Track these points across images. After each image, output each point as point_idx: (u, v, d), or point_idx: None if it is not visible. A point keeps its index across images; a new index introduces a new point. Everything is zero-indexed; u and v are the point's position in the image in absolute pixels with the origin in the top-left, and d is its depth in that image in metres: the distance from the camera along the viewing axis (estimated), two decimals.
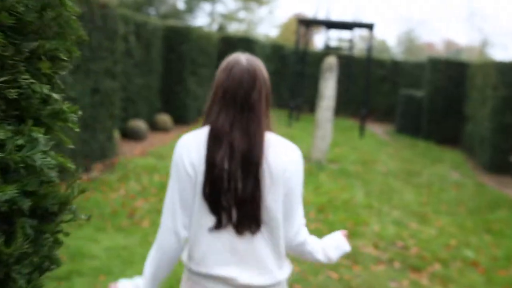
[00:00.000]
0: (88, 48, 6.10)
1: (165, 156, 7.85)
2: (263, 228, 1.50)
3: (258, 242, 1.50)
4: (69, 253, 3.95)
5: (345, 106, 16.25)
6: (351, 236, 5.01)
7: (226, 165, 1.45)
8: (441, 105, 12.62)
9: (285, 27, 40.47)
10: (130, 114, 9.27)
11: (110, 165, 6.96)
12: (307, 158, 8.70)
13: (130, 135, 8.95)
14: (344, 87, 15.78)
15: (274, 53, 16.51)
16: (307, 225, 1.73)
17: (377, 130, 14.77)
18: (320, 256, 1.68)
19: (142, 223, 4.81)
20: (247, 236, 1.48)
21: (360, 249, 4.72)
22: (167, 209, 1.51)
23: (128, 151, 8.15)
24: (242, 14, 34.31)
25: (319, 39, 46.99)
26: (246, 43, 13.15)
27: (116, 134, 7.83)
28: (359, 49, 22.68)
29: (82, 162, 6.26)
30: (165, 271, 1.55)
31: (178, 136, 10.10)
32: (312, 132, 10.85)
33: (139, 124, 9.04)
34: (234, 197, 1.45)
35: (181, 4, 28.24)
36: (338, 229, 5.59)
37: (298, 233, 1.59)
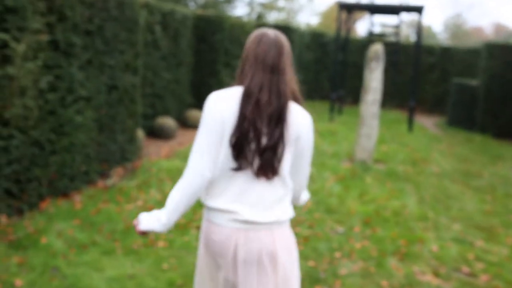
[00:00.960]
0: (101, 40, 5.45)
1: None
2: (275, 177, 1.72)
3: (269, 188, 1.73)
4: (64, 286, 3.30)
5: (391, 97, 15.16)
6: (405, 258, 4.17)
7: (255, 120, 1.65)
8: (499, 94, 11.41)
9: (326, 15, 39.26)
10: (158, 111, 8.64)
11: (132, 169, 6.33)
12: (350, 157, 7.84)
13: (157, 133, 8.33)
14: (390, 77, 14.69)
15: (313, 41, 15.58)
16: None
17: (426, 123, 13.64)
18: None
19: (157, 243, 4.12)
20: (262, 181, 1.71)
21: (417, 276, 3.88)
22: (195, 152, 1.72)
23: (155, 152, 7.52)
24: (281, 3, 33.49)
25: (362, 27, 45.36)
26: (283, 31, 12.29)
27: (140, 134, 7.20)
28: (404, 35, 21.35)
29: (98, 167, 5.65)
30: (186, 206, 1.75)
31: None
32: (355, 127, 9.96)
33: (167, 121, 8.40)
34: (257, 147, 1.67)
35: None
36: (388, 248, 4.81)
37: (303, 188, 1.89)
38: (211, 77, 10.17)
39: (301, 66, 14.82)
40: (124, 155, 6.33)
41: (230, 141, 1.67)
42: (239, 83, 1.76)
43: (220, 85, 10.17)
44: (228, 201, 1.72)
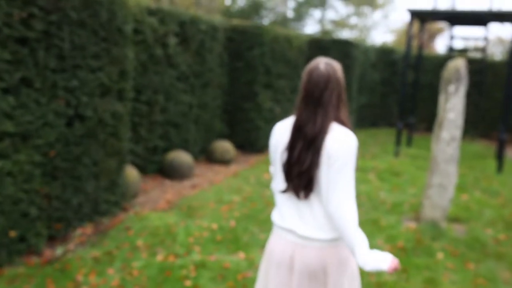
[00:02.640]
0: (50, 52, 3.86)
1: (198, 209, 5.40)
2: (314, 195, 1.92)
3: (313, 205, 1.93)
4: None
5: (473, 125, 12.64)
6: None
7: (299, 148, 1.90)
8: None
9: (401, 33, 36.65)
10: (174, 143, 7.00)
11: (105, 228, 4.67)
12: (416, 214, 5.73)
13: (168, 172, 6.66)
14: (473, 100, 12.22)
15: (380, 58, 13.44)
16: None
17: None
18: (355, 242, 1.82)
19: None
20: (305, 200, 1.93)
21: None
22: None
23: (156, 198, 5.84)
24: (354, 20, 31.51)
25: (441, 43, 42.02)
26: (341, 47, 10.36)
27: (134, 176, 5.55)
28: (491, 52, 18.54)
29: (45, 229, 4.02)
30: None
31: (239, 172, 7.70)
32: (427, 167, 7.79)
33: (181, 156, 6.72)
34: (298, 171, 1.89)
35: (290, 12, 26.18)
36: None
37: (339, 207, 1.84)
38: (248, 100, 8.42)
39: (364, 87, 12.74)
40: (97, 209, 4.69)
41: (282, 166, 1.95)
42: (295, 111, 1.96)
43: (259, 110, 8.40)
44: (286, 219, 1.99)
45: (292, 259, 1.95)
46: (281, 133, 1.99)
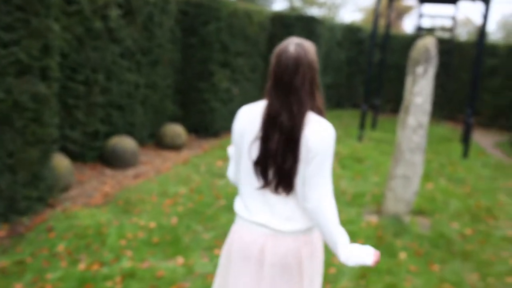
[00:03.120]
0: None
1: (137, 203, 4.81)
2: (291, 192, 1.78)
3: (288, 200, 1.79)
4: None
5: (439, 107, 12.34)
6: None
7: (275, 141, 1.72)
8: None
9: (370, 11, 36.27)
10: (118, 128, 6.34)
11: (27, 227, 4.04)
12: (378, 206, 5.31)
13: (109, 160, 6.02)
14: (440, 82, 11.89)
15: (347, 37, 12.93)
16: None
17: (484, 142, 10.80)
18: (337, 239, 1.76)
19: None
20: (281, 195, 1.79)
21: None
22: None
23: (91, 191, 5.21)
24: None
25: (409, 23, 41.93)
26: (306, 24, 9.78)
27: (65, 165, 4.91)
28: (458, 33, 18.27)
29: None
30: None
31: (190, 159, 7.09)
32: (391, 152, 7.37)
33: (124, 142, 6.08)
34: (276, 167, 1.73)
35: None
36: None
37: (319, 204, 1.73)
38: (202, 80, 7.79)
39: (330, 66, 12.24)
40: (14, 207, 4.05)
41: (255, 159, 1.77)
42: (266, 98, 1.78)
43: (215, 91, 7.79)
44: (257, 213, 1.83)
45: (263, 252, 1.82)
46: (250, 120, 1.80)
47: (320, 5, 30.96)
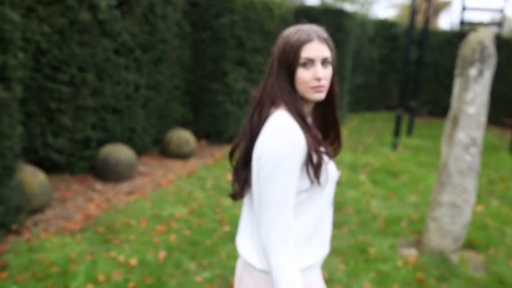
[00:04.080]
0: None
1: (121, 230, 3.96)
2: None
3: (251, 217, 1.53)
4: None
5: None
6: None
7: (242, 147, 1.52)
8: None
9: (404, 7, 34.78)
10: (114, 135, 5.52)
11: None
12: (416, 239, 4.32)
13: (101, 172, 5.21)
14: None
15: (380, 33, 11.85)
16: None
17: None
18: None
19: None
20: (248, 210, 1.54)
21: None
22: None
23: (70, 211, 4.40)
24: None
25: (446, 20, 40.11)
26: (333, 18, 8.79)
27: (39, 183, 4.10)
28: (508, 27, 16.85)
29: None
30: None
31: (196, 170, 4.92)
32: (431, 163, 6.33)
33: (118, 152, 5.25)
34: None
35: None
36: None
37: (264, 234, 1.38)
38: (215, 80, 6.91)
39: (360, 65, 11.19)
40: None
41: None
42: None
43: (229, 92, 6.91)
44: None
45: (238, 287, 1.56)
46: None
47: (353, 1, 29.78)
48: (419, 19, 12.64)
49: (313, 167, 1.40)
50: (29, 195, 4.01)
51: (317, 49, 1.44)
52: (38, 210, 4.16)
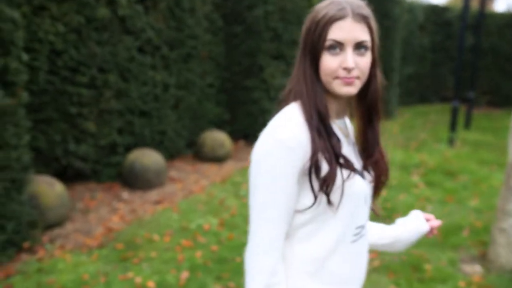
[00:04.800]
0: None
1: (142, 246, 3.58)
2: None
3: None
4: None
5: None
6: None
7: None
8: None
9: None
10: (142, 138, 5.18)
11: None
12: (479, 252, 3.71)
13: (128, 179, 4.87)
14: None
15: (431, 18, 11.02)
16: None
17: None
18: None
19: None
20: None
21: None
22: None
23: (91, 225, 4.07)
24: None
25: (501, 2, 37.86)
26: (378, 4, 8.13)
27: (57, 195, 3.79)
28: None
29: None
30: None
31: (231, 175, 3.89)
32: (494, 161, 5.60)
33: (146, 157, 4.90)
34: None
35: None
36: None
37: (246, 252, 1.17)
38: (251, 76, 6.46)
39: (410, 54, 10.43)
40: None
41: None
42: None
43: (266, 88, 6.45)
44: None
45: None
46: None
47: None
48: (474, 3, 11.71)
49: (318, 178, 1.09)
50: (44, 209, 3.70)
51: (350, 29, 1.10)
52: (56, 224, 3.85)
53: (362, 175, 1.22)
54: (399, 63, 9.26)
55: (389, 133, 7.87)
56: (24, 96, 3.29)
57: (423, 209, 4.52)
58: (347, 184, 1.13)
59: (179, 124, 5.75)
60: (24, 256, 3.37)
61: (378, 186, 1.30)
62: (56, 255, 3.42)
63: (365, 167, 1.24)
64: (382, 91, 1.25)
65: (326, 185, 1.10)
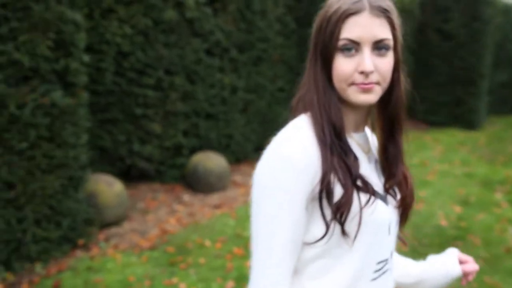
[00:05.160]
0: None
1: (192, 251, 3.52)
2: None
3: None
4: None
5: None
6: None
7: None
8: None
9: None
10: (208, 141, 5.17)
11: (31, 282, 3.04)
12: None
13: (190, 182, 4.87)
14: None
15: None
16: None
17: None
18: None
19: None
20: None
21: None
22: None
23: (148, 225, 4.09)
24: None
25: None
26: (468, 6, 7.58)
27: (115, 193, 3.85)
28: None
29: None
30: None
31: None
32: None
33: (209, 161, 4.86)
34: None
35: None
36: None
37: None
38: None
39: (504, 59, 9.62)
40: (20, 252, 3.09)
41: None
42: None
43: None
44: None
45: None
46: None
47: None
48: None
49: (330, 204, 0.92)
50: (102, 208, 3.77)
51: (367, 25, 0.94)
52: (113, 223, 3.91)
53: (385, 200, 1.02)
54: (490, 69, 8.55)
55: (473, 144, 7.28)
56: (84, 96, 3.36)
57: (504, 231, 4.07)
58: (366, 211, 0.95)
59: (248, 128, 5.68)
60: (78, 253, 3.45)
61: (404, 211, 1.09)
62: (108, 254, 3.46)
63: (388, 190, 1.04)
64: (406, 98, 1.06)
65: (340, 212, 0.93)
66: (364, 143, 1.06)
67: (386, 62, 0.95)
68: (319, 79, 1.00)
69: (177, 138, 4.88)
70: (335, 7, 0.95)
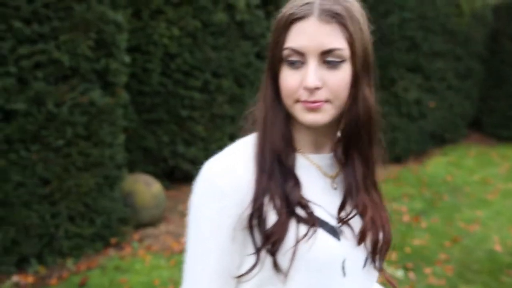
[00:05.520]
0: None
1: None
2: None
3: None
4: None
5: None
6: None
7: None
8: None
9: None
10: None
11: (63, 275, 3.11)
12: None
13: None
14: None
15: None
16: None
17: None
18: None
19: None
20: None
21: None
22: None
23: (183, 228, 4.07)
24: None
25: None
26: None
27: (154, 194, 3.87)
28: None
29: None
30: None
31: None
32: None
33: None
34: None
35: None
36: None
37: None
38: (380, 88, 5.96)
39: None
40: (52, 246, 3.17)
41: None
42: None
43: (398, 103, 5.99)
44: None
45: None
46: None
47: None
48: None
49: (260, 232, 0.83)
50: (139, 208, 3.79)
51: (312, 33, 0.82)
52: (149, 224, 3.92)
53: (335, 234, 0.88)
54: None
55: None
56: (123, 96, 3.39)
57: None
58: (303, 245, 0.82)
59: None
60: (111, 251, 3.48)
61: (373, 250, 0.94)
62: (138, 254, 3.47)
63: (343, 222, 0.90)
64: (374, 118, 0.91)
65: (272, 242, 0.82)
66: (327, 165, 0.93)
67: (338, 77, 0.82)
68: (268, 94, 0.89)
69: (223, 141, 4.82)
70: (284, 11, 0.85)
